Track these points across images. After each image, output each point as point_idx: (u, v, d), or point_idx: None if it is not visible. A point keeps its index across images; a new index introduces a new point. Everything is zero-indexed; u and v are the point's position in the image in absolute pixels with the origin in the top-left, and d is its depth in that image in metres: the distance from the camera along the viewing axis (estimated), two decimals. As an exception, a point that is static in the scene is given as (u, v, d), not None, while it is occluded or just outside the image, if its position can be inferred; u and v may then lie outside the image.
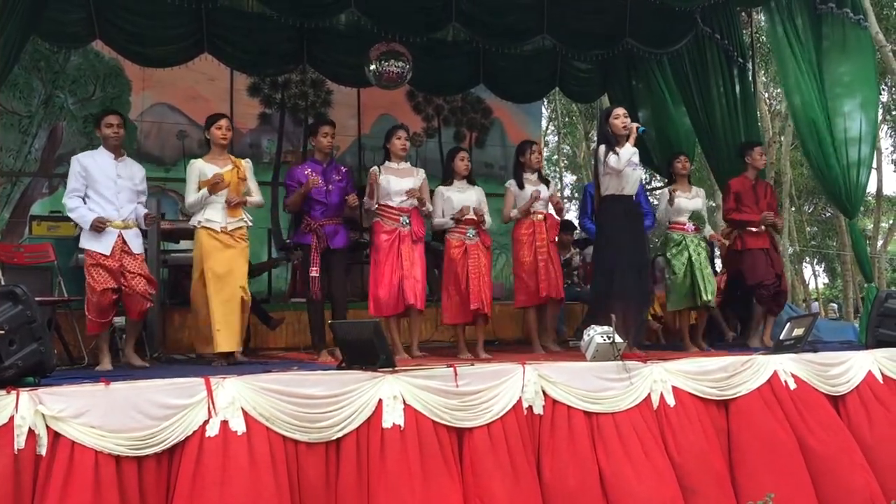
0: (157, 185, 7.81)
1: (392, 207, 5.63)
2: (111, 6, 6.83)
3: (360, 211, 5.98)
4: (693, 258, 6.14)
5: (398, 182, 5.65)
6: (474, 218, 5.79)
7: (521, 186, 6.13)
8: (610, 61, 8.51)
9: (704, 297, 6.10)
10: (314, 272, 5.43)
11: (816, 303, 23.94)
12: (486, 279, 5.72)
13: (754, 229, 6.47)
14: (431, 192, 5.95)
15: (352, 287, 7.68)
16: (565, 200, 20.67)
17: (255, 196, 5.44)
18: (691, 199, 6.33)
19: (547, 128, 21.34)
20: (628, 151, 5.41)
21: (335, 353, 5.29)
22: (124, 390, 3.50)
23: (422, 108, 9.58)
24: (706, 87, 7.54)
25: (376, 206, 5.64)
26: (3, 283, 5.54)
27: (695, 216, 6.36)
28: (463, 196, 5.86)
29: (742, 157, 6.73)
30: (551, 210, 6.33)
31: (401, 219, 5.61)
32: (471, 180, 6.02)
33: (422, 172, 5.85)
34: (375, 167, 5.74)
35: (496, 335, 7.66)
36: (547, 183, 6.29)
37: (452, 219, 5.77)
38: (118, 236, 4.95)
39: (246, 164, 5.43)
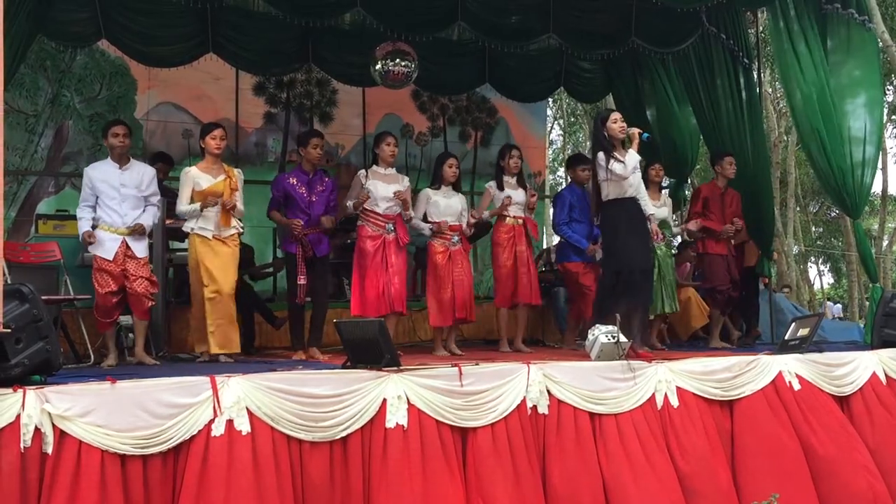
0: (162, 184, 7.82)
1: (378, 214, 5.73)
2: (117, 6, 6.84)
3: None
4: (662, 268, 6.35)
5: (385, 188, 5.75)
6: (458, 225, 6.00)
7: (500, 188, 6.24)
8: (615, 61, 8.50)
9: (665, 309, 6.44)
10: (301, 280, 5.57)
11: (831, 303, 23.80)
12: (468, 286, 6.02)
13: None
14: (415, 197, 6.12)
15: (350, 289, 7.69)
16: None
17: (240, 206, 5.54)
18: (660, 208, 6.50)
19: (552, 127, 21.33)
20: (634, 158, 5.45)
21: (311, 352, 5.61)
22: (130, 389, 3.51)
23: (427, 107, 9.58)
24: (712, 87, 7.53)
25: (353, 204, 5.74)
26: (9, 281, 5.54)
27: (662, 224, 6.50)
28: (448, 202, 6.02)
29: (713, 165, 6.79)
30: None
31: (386, 225, 5.72)
32: (457, 187, 6.15)
33: (406, 180, 5.97)
34: (362, 171, 5.87)
35: (498, 335, 7.64)
36: (525, 188, 6.38)
37: (431, 231, 5.96)
38: (122, 242, 5.17)
39: (238, 175, 5.55)
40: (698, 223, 6.52)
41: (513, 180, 6.30)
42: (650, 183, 6.57)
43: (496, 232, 6.24)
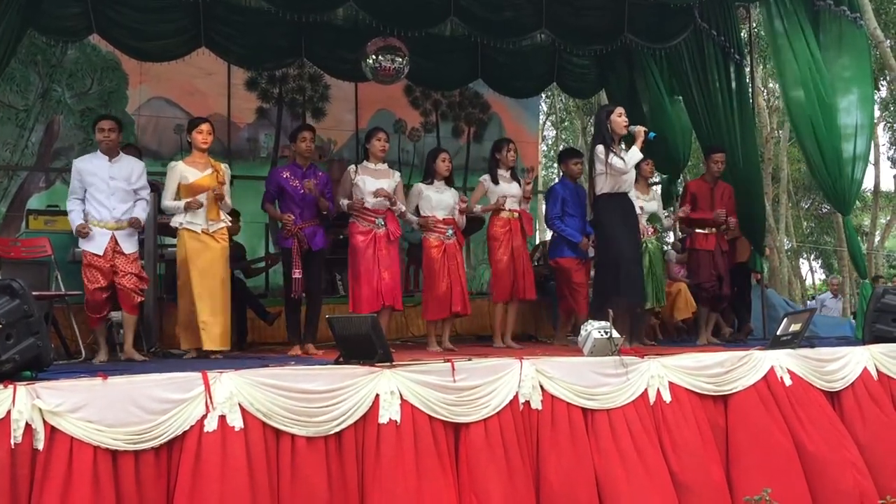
0: (154, 179, 7.79)
1: (367, 209, 5.72)
2: (108, 0, 6.81)
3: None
4: (653, 262, 6.34)
5: (374, 183, 5.74)
6: (453, 218, 5.98)
7: (495, 182, 6.21)
8: (608, 57, 8.49)
9: (652, 304, 6.40)
10: (297, 274, 5.56)
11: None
12: (463, 279, 5.99)
13: (705, 231, 6.52)
14: (408, 191, 6.11)
15: (343, 284, 7.67)
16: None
17: (227, 199, 5.51)
18: (649, 202, 6.51)
19: (545, 123, 21.33)
20: (636, 156, 5.44)
21: (306, 348, 5.60)
22: (121, 385, 3.50)
23: (420, 102, 9.56)
24: (704, 83, 7.54)
25: (347, 204, 5.76)
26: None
27: (653, 218, 6.47)
28: (440, 196, 5.99)
29: (705, 159, 6.80)
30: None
31: (376, 220, 5.71)
32: (449, 181, 6.12)
33: (398, 175, 5.95)
34: (352, 166, 5.88)
35: (491, 331, 7.65)
36: (518, 181, 6.35)
37: (418, 225, 5.97)
38: (111, 237, 5.12)
39: (225, 169, 5.52)
40: (686, 210, 6.50)
41: (507, 174, 6.27)
42: (640, 178, 6.54)
43: (492, 226, 6.19)
